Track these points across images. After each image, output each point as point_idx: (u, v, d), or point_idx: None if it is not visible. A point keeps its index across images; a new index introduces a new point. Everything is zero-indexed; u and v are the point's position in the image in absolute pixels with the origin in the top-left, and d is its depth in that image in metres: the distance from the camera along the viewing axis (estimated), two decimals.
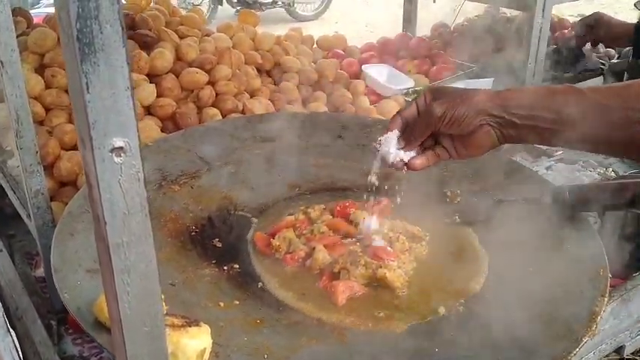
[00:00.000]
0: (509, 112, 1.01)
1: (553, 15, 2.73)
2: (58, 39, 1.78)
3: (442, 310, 1.08)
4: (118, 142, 0.63)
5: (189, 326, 0.88)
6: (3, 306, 1.42)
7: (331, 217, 1.32)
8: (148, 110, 1.78)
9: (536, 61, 2.47)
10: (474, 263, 1.21)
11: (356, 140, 1.60)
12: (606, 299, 1.05)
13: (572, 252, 1.18)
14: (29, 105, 1.65)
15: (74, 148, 1.64)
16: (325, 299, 1.10)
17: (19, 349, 1.31)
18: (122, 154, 0.64)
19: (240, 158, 1.48)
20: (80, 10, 0.54)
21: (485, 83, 2.49)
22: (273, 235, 1.23)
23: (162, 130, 1.76)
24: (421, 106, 1.10)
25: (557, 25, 3.02)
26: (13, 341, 1.33)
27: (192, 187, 1.37)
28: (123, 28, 0.60)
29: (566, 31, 3.02)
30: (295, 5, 7.95)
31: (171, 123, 1.78)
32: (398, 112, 1.11)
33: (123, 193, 0.66)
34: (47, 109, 1.69)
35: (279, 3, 7.86)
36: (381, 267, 1.13)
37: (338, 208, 1.33)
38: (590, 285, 1.09)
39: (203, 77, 1.84)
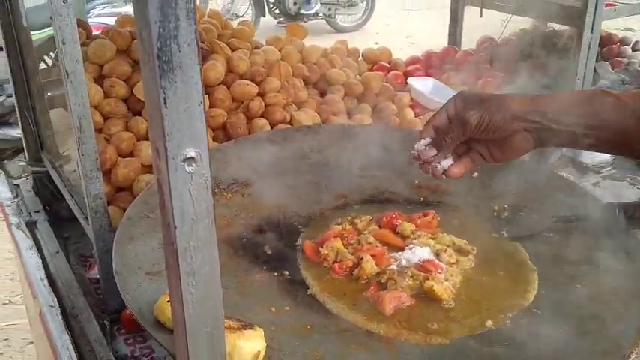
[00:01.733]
0: (547, 117, 1.03)
1: (601, 30, 2.70)
2: (117, 50, 1.86)
3: (490, 323, 1.09)
4: (190, 153, 0.67)
5: (245, 329, 0.92)
6: (60, 305, 1.49)
7: (378, 228, 1.35)
8: None
9: (584, 77, 2.45)
10: (522, 278, 1.22)
11: (402, 152, 1.62)
12: None
13: (622, 270, 1.17)
14: (93, 114, 1.73)
15: (130, 155, 1.71)
16: (373, 309, 1.12)
17: (74, 347, 1.37)
18: (193, 164, 0.68)
19: (288, 168, 1.52)
20: (161, 30, 0.59)
21: None
22: (321, 244, 1.26)
23: (213, 140, 1.81)
24: (451, 112, 1.12)
25: (605, 40, 2.98)
26: (71, 338, 1.39)
27: (242, 196, 1.42)
28: (199, 47, 0.64)
29: (614, 46, 2.98)
30: (336, 17, 8.01)
31: (221, 133, 1.83)
32: (428, 121, 1.14)
33: (192, 200, 0.71)
34: (105, 118, 1.77)
35: (321, 15, 7.94)
36: (428, 279, 1.15)
37: (384, 219, 1.36)
38: (638, 302, 1.09)
39: (253, 89, 1.89)
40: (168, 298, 1.02)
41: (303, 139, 1.63)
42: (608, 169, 2.46)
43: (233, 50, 2.07)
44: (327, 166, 1.55)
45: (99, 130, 1.75)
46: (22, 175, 2.16)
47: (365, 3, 8.19)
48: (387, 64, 2.63)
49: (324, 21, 8.13)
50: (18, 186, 2.10)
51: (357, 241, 1.28)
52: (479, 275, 1.22)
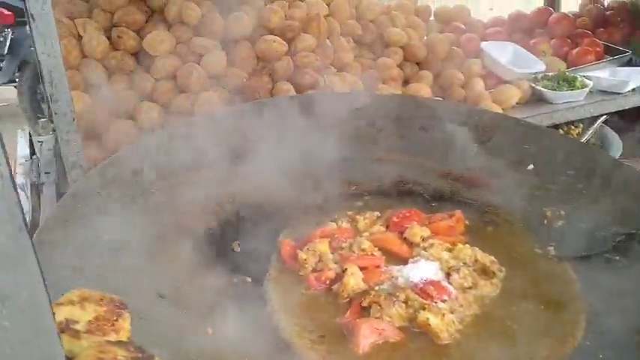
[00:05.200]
0: None
1: None
2: None
3: None
4: None
5: None
6: None
7: (384, 229, 1.05)
8: (218, 80, 1.60)
9: None
10: (565, 318, 0.88)
11: (442, 134, 1.29)
12: None
13: None
14: (94, 68, 1.54)
15: (130, 117, 1.50)
16: (345, 342, 0.84)
17: None
18: None
19: (293, 143, 1.24)
20: None
21: (637, 73, 2.02)
22: (302, 246, 0.98)
23: (229, 102, 1.57)
24: None
25: None
26: None
27: (228, 173, 1.16)
28: None
29: None
30: None
31: (240, 96, 1.58)
32: None
33: None
34: (111, 73, 1.57)
35: None
36: (425, 308, 0.85)
37: (395, 218, 1.06)
38: None
39: (281, 47, 1.62)
40: (61, 300, 0.79)
41: (319, 109, 1.34)
42: None
43: (271, 1, 1.80)
44: (342, 145, 1.25)
45: (100, 86, 1.55)
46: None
47: None
48: (463, 26, 2.25)
49: None
50: (42, 143, 1.97)
51: (349, 245, 0.99)
52: (502, 308, 0.90)
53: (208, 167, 1.16)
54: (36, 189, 1.73)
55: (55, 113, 1.25)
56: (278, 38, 1.62)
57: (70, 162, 1.31)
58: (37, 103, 3.85)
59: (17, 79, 3.83)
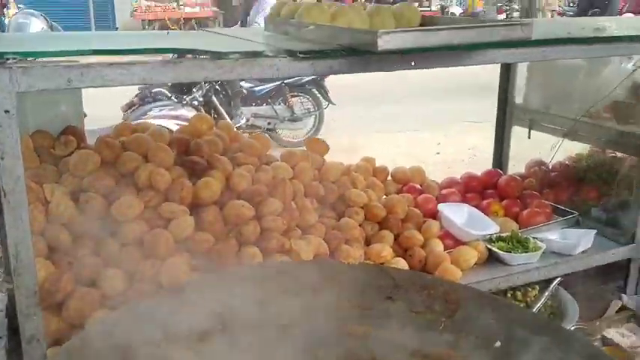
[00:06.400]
0: None
1: None
2: (103, 162, 1.68)
3: None
4: None
5: None
6: None
7: None
8: (185, 245, 1.61)
9: None
10: None
11: (409, 305, 1.31)
12: None
13: None
14: (59, 233, 1.52)
15: (94, 285, 1.47)
16: None
17: None
18: None
19: (259, 317, 1.23)
20: None
21: (586, 235, 2.13)
22: None
23: (196, 268, 1.56)
24: None
25: None
26: None
27: (198, 351, 1.13)
28: None
29: None
30: (277, 131, 7.28)
31: (207, 261, 1.59)
32: None
33: None
34: (75, 237, 1.56)
35: (262, 128, 7.16)
36: None
37: None
38: None
39: (248, 211, 1.65)
40: None
41: (286, 278, 1.35)
42: None
43: (238, 165, 1.86)
44: (309, 317, 1.25)
45: (65, 252, 1.54)
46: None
47: (313, 118, 7.46)
48: (419, 187, 2.37)
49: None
50: None
51: None
52: None
53: (177, 345, 1.14)
54: None
55: (17, 287, 1.22)
56: (246, 203, 1.67)
57: (27, 336, 1.26)
58: None
59: None
